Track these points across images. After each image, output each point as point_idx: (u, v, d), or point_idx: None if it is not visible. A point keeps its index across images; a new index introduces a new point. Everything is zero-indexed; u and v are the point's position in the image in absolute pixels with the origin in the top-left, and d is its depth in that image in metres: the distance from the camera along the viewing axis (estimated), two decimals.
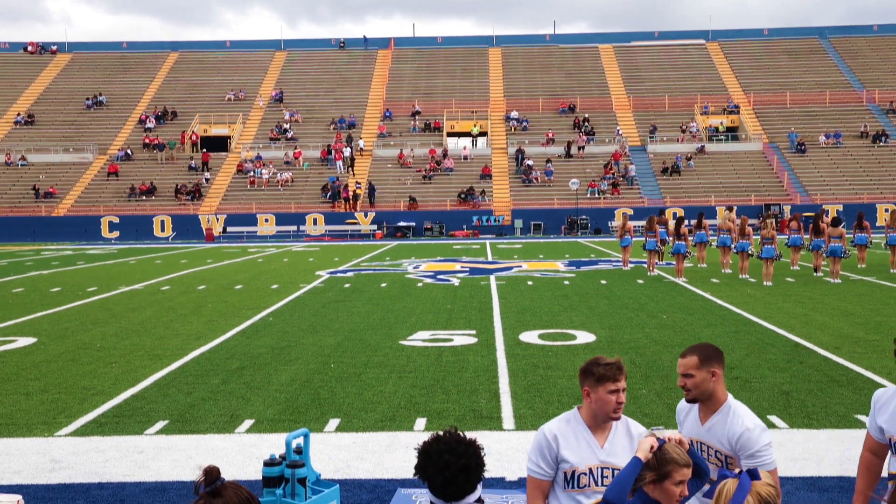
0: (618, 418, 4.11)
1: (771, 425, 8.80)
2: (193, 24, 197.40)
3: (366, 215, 53.31)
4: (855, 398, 9.84)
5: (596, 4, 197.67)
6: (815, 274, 24.16)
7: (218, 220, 53.29)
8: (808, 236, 26.20)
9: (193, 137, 63.52)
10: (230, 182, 58.28)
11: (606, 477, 4.08)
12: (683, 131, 61.89)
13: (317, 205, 55.22)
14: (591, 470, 4.08)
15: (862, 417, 9.00)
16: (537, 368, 11.77)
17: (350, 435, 8.75)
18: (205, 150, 61.91)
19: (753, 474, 3.22)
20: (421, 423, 9.11)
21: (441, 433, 3.54)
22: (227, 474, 4.61)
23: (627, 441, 4.12)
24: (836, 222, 23.62)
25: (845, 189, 53.96)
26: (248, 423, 9.23)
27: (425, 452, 3.52)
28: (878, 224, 41.96)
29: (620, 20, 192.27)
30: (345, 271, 27.88)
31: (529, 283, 23.37)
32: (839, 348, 12.85)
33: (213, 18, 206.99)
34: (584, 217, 52.46)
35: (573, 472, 4.07)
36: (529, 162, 58.25)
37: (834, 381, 10.79)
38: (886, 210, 35.10)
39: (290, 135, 63.49)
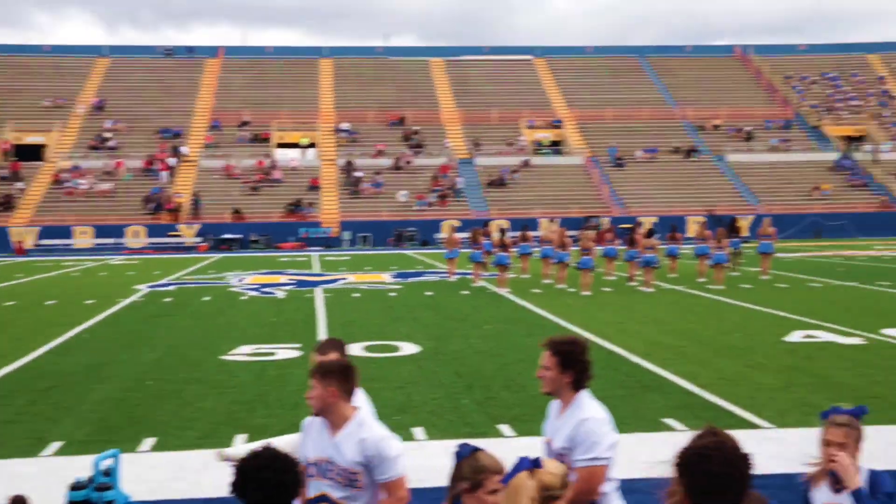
0: (315, 414, 4.36)
1: None
2: (3, 26, 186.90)
3: (190, 227, 51.98)
4: (664, 402, 10.30)
5: (426, 18, 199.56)
6: (629, 283, 25.19)
7: (30, 232, 50.76)
8: (623, 247, 27.28)
9: (6, 146, 60.33)
10: (45, 193, 55.62)
11: (330, 471, 4.28)
12: (510, 145, 63.36)
13: (139, 216, 53.43)
14: (317, 462, 4.31)
15: (670, 421, 9.44)
16: (362, 381, 11.74)
17: (166, 454, 8.52)
18: (16, 159, 58.90)
19: (537, 462, 3.27)
20: (241, 439, 8.96)
21: (259, 450, 3.49)
22: (33, 501, 4.40)
23: (355, 443, 4.28)
24: (649, 234, 24.71)
25: (659, 202, 56.51)
26: (55, 445, 8.83)
27: (242, 470, 3.46)
28: (688, 235, 44.09)
29: (450, 34, 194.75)
30: (166, 285, 27.11)
31: (356, 295, 23.36)
32: (650, 355, 13.42)
33: (24, 21, 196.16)
34: (412, 229, 52.85)
35: (306, 461, 4.29)
36: (359, 174, 58.30)
37: (645, 386, 11.26)
38: (697, 222, 37.01)
39: (111, 144, 61.23)
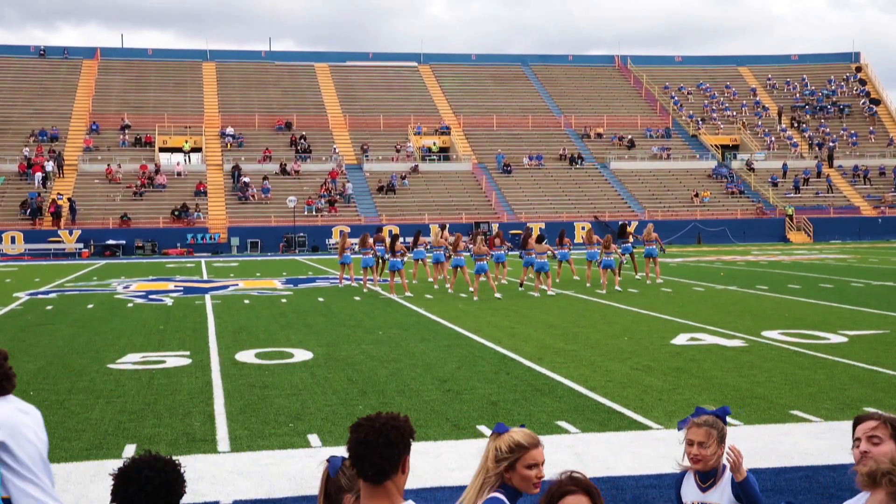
0: None
1: (480, 434, 9.15)
2: None
3: (70, 233, 50.38)
4: (556, 405, 10.45)
5: (308, 22, 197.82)
6: (520, 288, 25.48)
7: None
8: (514, 252, 27.58)
9: None
10: None
11: None
12: (398, 151, 63.44)
13: (15, 222, 51.55)
14: None
15: (563, 424, 9.58)
16: (254, 388, 11.62)
17: (51, 466, 8.21)
18: None
19: None
20: (130, 449, 8.74)
21: (136, 456, 3.41)
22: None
23: None
24: (539, 239, 25.05)
25: (547, 208, 57.43)
26: None
27: (123, 475, 3.35)
28: (576, 241, 44.93)
29: (333, 39, 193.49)
30: (47, 292, 26.21)
31: (246, 301, 23.04)
32: (542, 359, 13.61)
33: None
34: (301, 235, 52.42)
35: None
36: (246, 179, 57.51)
37: (537, 390, 11.41)
38: (583, 228, 37.77)
39: None
